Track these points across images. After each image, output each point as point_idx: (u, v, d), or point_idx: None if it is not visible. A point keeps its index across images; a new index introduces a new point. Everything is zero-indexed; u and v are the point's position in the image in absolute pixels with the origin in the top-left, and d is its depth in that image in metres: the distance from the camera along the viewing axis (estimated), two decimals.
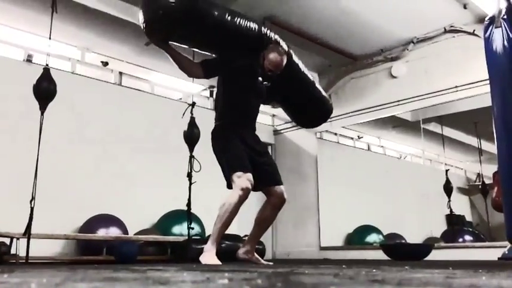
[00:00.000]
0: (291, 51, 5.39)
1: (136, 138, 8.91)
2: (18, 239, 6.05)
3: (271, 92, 5.27)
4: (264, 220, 4.98)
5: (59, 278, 2.01)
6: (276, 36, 5.25)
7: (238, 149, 4.66)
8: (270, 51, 4.87)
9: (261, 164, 4.80)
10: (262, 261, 4.94)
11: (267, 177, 4.85)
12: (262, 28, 5.14)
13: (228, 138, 4.73)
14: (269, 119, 11.97)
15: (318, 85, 6.16)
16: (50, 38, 6.30)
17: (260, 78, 4.92)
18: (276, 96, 5.65)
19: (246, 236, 8.10)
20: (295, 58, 5.51)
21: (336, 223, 10.95)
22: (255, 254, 5.00)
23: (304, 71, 5.71)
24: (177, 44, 5.01)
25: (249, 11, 7.66)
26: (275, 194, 4.86)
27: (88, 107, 8.46)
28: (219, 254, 4.60)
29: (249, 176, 4.52)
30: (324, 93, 6.27)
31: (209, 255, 4.48)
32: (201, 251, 4.71)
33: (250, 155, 4.72)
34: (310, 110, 6.16)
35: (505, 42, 5.31)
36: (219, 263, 4.35)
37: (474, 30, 8.32)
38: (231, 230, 7.68)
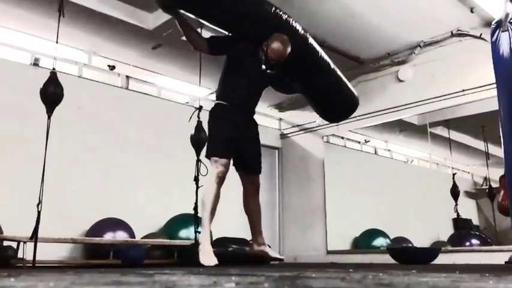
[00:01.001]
0: (308, 34, 5.36)
1: (143, 142, 8.92)
2: (25, 242, 6.05)
3: (290, 77, 5.32)
4: (249, 212, 5.15)
5: (66, 282, 2.01)
6: (296, 24, 5.24)
7: (224, 132, 4.81)
8: (274, 40, 4.91)
9: (245, 151, 4.97)
10: (275, 253, 5.23)
11: (245, 164, 5.03)
12: (280, 12, 5.14)
13: (219, 120, 4.88)
14: (276, 123, 11.96)
15: (340, 74, 5.88)
16: (57, 42, 6.31)
17: (263, 66, 4.92)
18: (295, 84, 5.65)
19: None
20: (313, 44, 5.45)
21: (342, 227, 10.93)
22: (267, 245, 5.20)
23: (322, 57, 5.57)
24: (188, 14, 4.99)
25: None
26: (249, 180, 5.05)
27: (95, 110, 8.47)
28: (227, 257, 4.68)
29: (224, 161, 4.71)
30: (348, 84, 6.02)
31: (206, 255, 4.68)
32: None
33: (236, 139, 4.86)
34: (331, 100, 5.92)
35: (511, 45, 5.30)
36: (216, 262, 4.52)
37: (481, 34, 8.30)
38: (237, 234, 7.69)
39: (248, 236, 6.10)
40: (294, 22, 5.21)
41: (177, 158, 8.75)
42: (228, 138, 4.81)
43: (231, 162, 4.93)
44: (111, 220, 7.93)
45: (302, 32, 5.26)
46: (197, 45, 5.06)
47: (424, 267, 5.47)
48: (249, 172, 5.06)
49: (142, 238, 8.07)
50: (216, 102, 5.03)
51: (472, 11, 8.11)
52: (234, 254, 5.53)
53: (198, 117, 7.22)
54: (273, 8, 5.04)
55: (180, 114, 7.95)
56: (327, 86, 5.71)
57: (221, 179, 4.72)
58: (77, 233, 7.69)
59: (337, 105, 6.05)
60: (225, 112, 4.88)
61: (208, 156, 4.86)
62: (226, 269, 4.25)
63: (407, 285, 1.85)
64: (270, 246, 5.49)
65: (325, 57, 5.61)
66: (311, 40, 5.41)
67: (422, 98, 9.17)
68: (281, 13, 5.13)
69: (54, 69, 6.13)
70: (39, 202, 5.64)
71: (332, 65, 5.67)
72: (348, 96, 5.95)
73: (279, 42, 4.89)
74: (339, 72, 5.80)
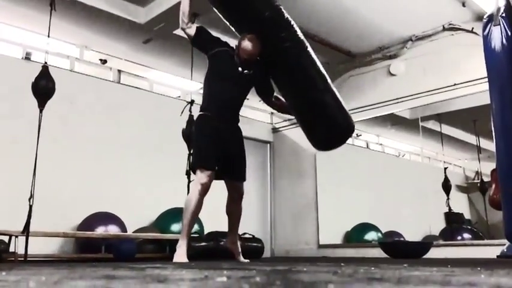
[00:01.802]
0: (306, 43, 5.29)
1: (134, 136, 8.90)
2: (16, 236, 6.05)
3: (279, 89, 5.32)
4: (230, 213, 5.24)
5: (58, 276, 2.01)
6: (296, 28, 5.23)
7: (208, 145, 4.89)
8: (242, 39, 5.00)
9: (229, 159, 5.00)
10: (241, 257, 5.26)
11: (229, 172, 5.07)
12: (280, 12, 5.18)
13: (203, 131, 4.95)
14: (268, 117, 11.96)
15: (336, 92, 5.26)
16: (48, 36, 6.30)
17: (240, 69, 5.00)
18: (286, 100, 5.48)
19: (244, 233, 8.16)
20: (311, 53, 5.25)
21: (334, 221, 10.95)
22: (238, 246, 5.31)
23: (319, 70, 5.21)
24: None
25: None
26: (233, 188, 5.11)
27: (86, 104, 8.45)
28: (219, 252, 4.74)
29: (209, 173, 4.80)
30: (343, 102, 5.26)
31: (180, 254, 4.75)
32: (200, 249, 4.88)
33: (221, 148, 4.92)
34: (323, 121, 5.27)
35: (504, 40, 5.32)
36: (187, 261, 4.58)
37: (473, 28, 8.32)
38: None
39: (240, 230, 6.13)
40: (295, 25, 5.21)
41: (168, 152, 8.75)
42: (212, 150, 4.90)
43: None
44: (102, 214, 7.92)
45: (300, 37, 5.22)
46: (187, 23, 5.10)
47: (415, 261, 5.50)
48: (234, 180, 5.10)
49: (134, 232, 8.07)
50: (199, 113, 5.08)
51: (463, 5, 8.12)
52: (226, 249, 5.55)
53: (190, 111, 7.22)
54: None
55: (171, 108, 7.96)
56: (320, 104, 5.20)
57: (204, 190, 4.82)
58: (68, 227, 7.67)
59: (330, 128, 5.33)
60: (209, 123, 4.95)
61: (193, 168, 4.97)
62: (218, 263, 4.26)
63: (399, 279, 1.85)
64: (261, 241, 5.51)
65: (322, 70, 5.25)
66: (309, 48, 5.25)
67: (414, 92, 9.18)
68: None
69: (45, 63, 6.13)
70: (31, 196, 5.64)
71: (328, 80, 5.25)
72: (343, 118, 5.29)
73: (247, 40, 4.96)
74: (334, 90, 5.27)
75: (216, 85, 5.05)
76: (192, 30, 5.11)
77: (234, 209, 5.22)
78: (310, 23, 8.37)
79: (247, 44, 4.95)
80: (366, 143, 13.60)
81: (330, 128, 5.30)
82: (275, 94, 5.42)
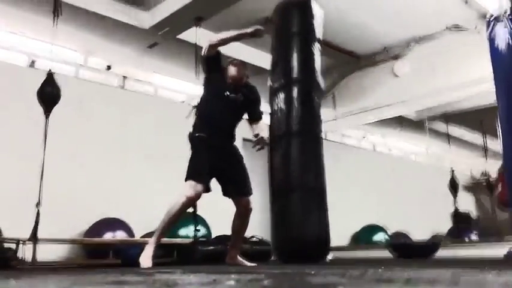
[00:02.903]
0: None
1: (141, 141, 8.90)
2: (24, 243, 6.05)
3: None
4: (236, 229, 5.22)
5: (66, 283, 2.01)
6: None
7: (200, 160, 4.90)
8: (228, 64, 5.11)
9: (228, 176, 5.02)
10: (246, 262, 5.15)
11: (232, 189, 5.06)
12: None
13: (196, 148, 4.98)
14: None
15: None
16: (53, 42, 6.33)
17: (227, 93, 5.04)
18: None
19: (252, 237, 8.15)
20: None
21: (342, 222, 10.93)
22: (239, 257, 5.23)
23: None
24: None
25: (253, 12, 7.67)
26: (240, 204, 5.06)
27: (92, 110, 8.46)
28: (225, 255, 4.75)
29: (198, 186, 4.77)
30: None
31: (145, 255, 4.75)
32: (207, 253, 4.88)
33: (217, 167, 4.92)
34: None
35: (509, 40, 5.31)
36: (150, 265, 4.56)
37: (477, 28, 8.30)
38: None
39: (248, 234, 6.13)
40: None
41: (175, 156, 8.71)
42: (203, 166, 4.91)
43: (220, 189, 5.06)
44: (110, 220, 7.93)
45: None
46: (214, 48, 5.11)
47: (423, 261, 5.49)
48: (239, 195, 5.10)
49: (141, 237, 8.07)
50: (195, 135, 5.08)
51: (468, 6, 8.11)
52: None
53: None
54: None
55: (177, 112, 7.96)
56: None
57: (188, 204, 4.88)
58: (76, 233, 7.69)
59: None
60: (203, 144, 4.97)
61: (185, 179, 4.93)
62: (226, 267, 4.26)
63: (408, 279, 1.85)
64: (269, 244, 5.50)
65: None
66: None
67: (419, 92, 9.16)
68: None
69: (50, 69, 6.14)
70: (38, 202, 5.65)
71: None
72: None
73: (232, 65, 5.08)
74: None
75: (212, 108, 5.11)
76: (213, 52, 5.08)
77: (239, 226, 5.19)
78: None
79: (231, 70, 5.05)
80: (373, 144, 13.61)
81: None
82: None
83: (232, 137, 5.19)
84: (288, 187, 5.77)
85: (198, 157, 4.92)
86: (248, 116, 5.30)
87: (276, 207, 5.80)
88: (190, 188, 4.77)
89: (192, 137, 5.04)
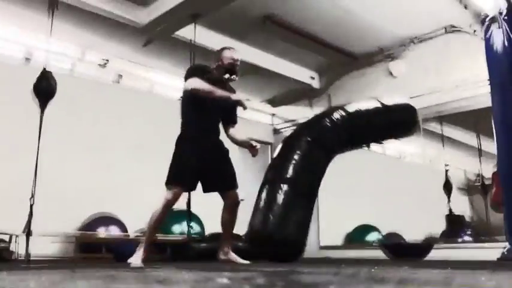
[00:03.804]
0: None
1: (136, 137, 8.89)
2: (17, 237, 6.05)
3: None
4: (225, 223, 5.26)
5: (59, 277, 2.01)
6: None
7: (183, 160, 5.05)
8: (222, 51, 5.16)
9: (214, 171, 5.07)
10: (240, 259, 5.18)
11: (218, 183, 5.12)
12: None
13: (180, 147, 5.14)
14: (268, 118, 11.94)
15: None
16: (49, 39, 6.31)
17: (226, 75, 5.08)
18: None
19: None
20: None
21: (335, 222, 10.95)
22: (232, 253, 5.27)
23: None
24: None
25: (250, 10, 7.67)
26: (228, 197, 5.13)
27: (87, 106, 8.45)
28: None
29: (177, 189, 4.97)
30: None
31: (137, 255, 4.75)
32: (201, 250, 4.90)
33: (202, 162, 4.99)
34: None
35: (506, 42, 5.32)
36: (142, 265, 4.55)
37: (474, 30, 8.31)
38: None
39: (241, 231, 6.14)
40: None
41: (169, 154, 8.72)
42: (186, 169, 5.02)
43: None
44: (104, 215, 7.94)
45: None
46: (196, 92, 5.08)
47: (416, 262, 5.50)
48: (225, 189, 5.14)
49: (135, 233, 8.07)
50: (179, 134, 5.25)
51: (465, 7, 8.11)
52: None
53: None
54: None
55: (173, 109, 7.95)
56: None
57: (168, 206, 4.96)
58: (70, 227, 7.68)
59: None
60: (188, 142, 5.09)
61: (166, 181, 5.07)
62: (219, 264, 4.27)
63: (400, 280, 1.85)
64: None
65: None
66: None
67: (415, 93, 9.14)
68: None
69: (45, 68, 6.14)
70: (32, 196, 5.65)
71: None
72: None
73: (226, 49, 5.16)
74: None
75: (197, 108, 5.14)
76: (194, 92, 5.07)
77: (227, 222, 5.23)
78: (312, 25, 8.38)
79: (227, 53, 5.12)
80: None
81: None
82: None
83: (218, 132, 5.25)
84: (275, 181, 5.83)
85: (178, 160, 5.07)
86: (226, 120, 5.32)
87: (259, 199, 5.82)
88: (170, 191, 4.94)
89: (179, 136, 5.21)
